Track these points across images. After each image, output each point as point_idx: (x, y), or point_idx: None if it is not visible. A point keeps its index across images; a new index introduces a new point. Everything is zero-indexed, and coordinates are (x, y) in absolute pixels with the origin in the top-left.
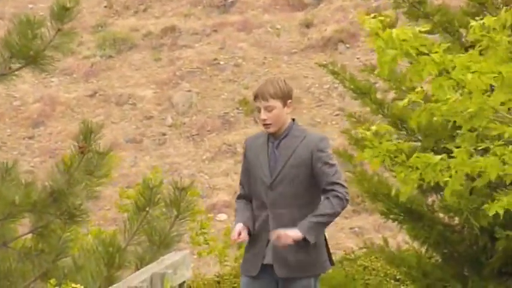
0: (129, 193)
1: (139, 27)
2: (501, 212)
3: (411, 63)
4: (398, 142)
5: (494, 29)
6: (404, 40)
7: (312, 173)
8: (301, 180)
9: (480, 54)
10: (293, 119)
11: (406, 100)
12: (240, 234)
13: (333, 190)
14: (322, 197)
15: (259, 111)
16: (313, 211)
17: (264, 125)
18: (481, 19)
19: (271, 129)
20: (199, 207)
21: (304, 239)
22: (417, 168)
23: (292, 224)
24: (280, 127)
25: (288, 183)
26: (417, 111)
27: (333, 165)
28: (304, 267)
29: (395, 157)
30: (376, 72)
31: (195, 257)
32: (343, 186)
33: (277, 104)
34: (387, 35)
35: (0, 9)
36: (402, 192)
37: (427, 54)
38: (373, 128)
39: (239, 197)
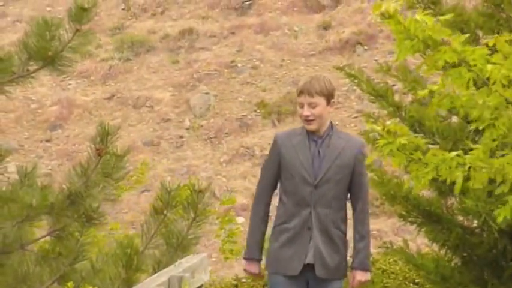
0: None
1: (157, 30)
2: (510, 215)
3: (430, 53)
4: (415, 137)
5: None
6: (426, 26)
7: (352, 174)
8: (343, 182)
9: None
10: (331, 122)
11: (426, 91)
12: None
13: (363, 203)
14: (356, 209)
15: (302, 107)
16: (342, 213)
17: (306, 120)
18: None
19: (313, 126)
20: (230, 216)
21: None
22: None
23: (332, 224)
24: (320, 125)
25: (333, 184)
26: (438, 98)
27: (366, 173)
28: (339, 269)
29: (411, 154)
30: (389, 70)
31: (213, 260)
32: (368, 192)
33: (321, 101)
34: (409, 21)
35: (18, 11)
36: (415, 187)
37: (447, 44)
38: (388, 123)
39: (261, 205)
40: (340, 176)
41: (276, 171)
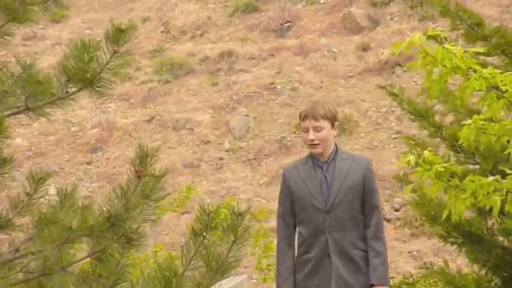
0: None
1: (196, 52)
2: None
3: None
4: (451, 164)
5: None
6: (453, 55)
7: (362, 193)
8: (355, 202)
9: None
10: (335, 143)
11: (464, 128)
12: None
13: (376, 220)
14: (369, 226)
15: (307, 132)
16: (359, 232)
17: (312, 145)
18: None
19: (318, 150)
20: (263, 230)
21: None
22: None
23: (350, 245)
24: (325, 149)
25: (345, 207)
26: (466, 128)
27: (376, 189)
28: None
29: (448, 180)
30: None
31: (253, 281)
32: (379, 208)
33: (326, 124)
34: (437, 51)
35: (57, 34)
36: (454, 213)
37: (476, 72)
38: (426, 152)
39: (283, 240)
40: (351, 198)
41: (290, 205)
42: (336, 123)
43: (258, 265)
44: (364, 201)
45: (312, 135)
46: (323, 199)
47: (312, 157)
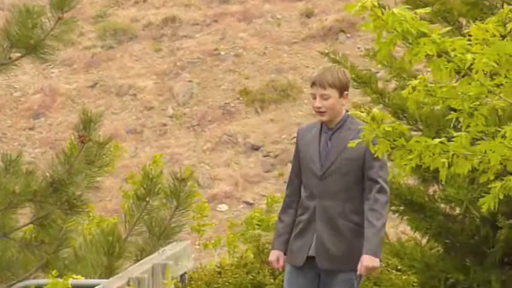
0: (135, 179)
1: (139, 18)
2: (493, 204)
3: (410, 45)
4: (398, 124)
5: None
6: (404, 19)
7: (362, 166)
8: (352, 174)
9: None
10: (347, 111)
11: (408, 88)
12: (278, 261)
13: (374, 193)
14: (367, 199)
15: (314, 98)
16: (352, 204)
17: (318, 112)
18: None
19: (324, 118)
20: (200, 197)
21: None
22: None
23: (340, 216)
24: (333, 117)
25: (339, 176)
26: (410, 89)
27: (381, 165)
28: (346, 259)
29: (394, 140)
30: (375, 56)
31: (197, 247)
32: (380, 183)
33: (334, 93)
34: (387, 15)
35: None
36: (399, 174)
37: (427, 36)
38: (374, 110)
39: (287, 197)
40: (348, 169)
41: (298, 164)
42: (346, 93)
43: (192, 226)
44: (364, 175)
45: (318, 102)
46: (320, 165)
47: (322, 122)
